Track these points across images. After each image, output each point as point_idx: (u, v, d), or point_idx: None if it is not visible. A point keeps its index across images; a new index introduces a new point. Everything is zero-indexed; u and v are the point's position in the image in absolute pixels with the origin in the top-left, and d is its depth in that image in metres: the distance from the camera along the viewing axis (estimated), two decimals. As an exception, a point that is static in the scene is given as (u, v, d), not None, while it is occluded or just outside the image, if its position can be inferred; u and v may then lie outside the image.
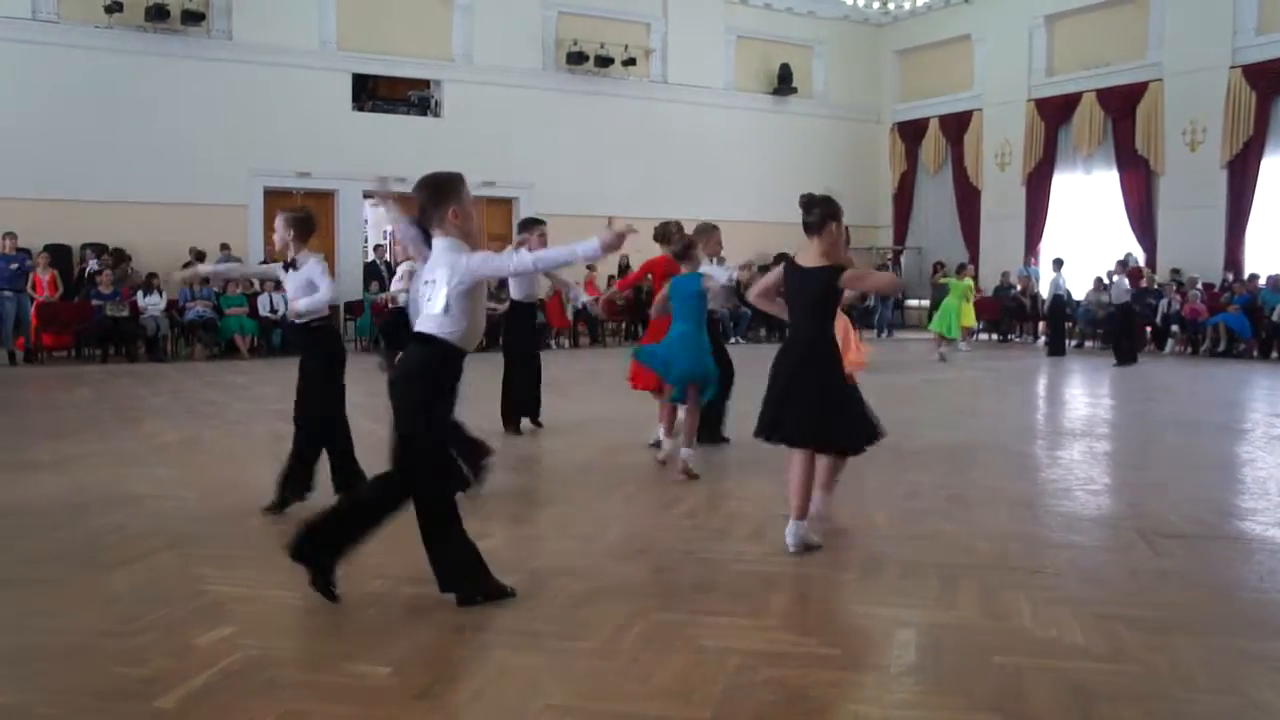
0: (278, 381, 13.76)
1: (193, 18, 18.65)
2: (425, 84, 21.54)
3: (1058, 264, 19.12)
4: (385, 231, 23.28)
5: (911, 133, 26.03)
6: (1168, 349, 19.10)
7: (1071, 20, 22.60)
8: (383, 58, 20.73)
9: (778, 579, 4.86)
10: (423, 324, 4.45)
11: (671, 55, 23.82)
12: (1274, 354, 17.54)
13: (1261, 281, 18.22)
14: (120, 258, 17.63)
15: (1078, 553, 5.58)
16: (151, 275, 17.07)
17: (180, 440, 9.02)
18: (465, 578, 4.45)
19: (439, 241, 4.47)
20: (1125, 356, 16.86)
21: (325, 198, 20.47)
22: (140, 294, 16.74)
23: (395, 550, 5.46)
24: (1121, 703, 3.50)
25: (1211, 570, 5.16)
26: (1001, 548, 5.48)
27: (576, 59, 22.31)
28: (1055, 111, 22.63)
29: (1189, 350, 18.61)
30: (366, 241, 22.40)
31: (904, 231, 26.33)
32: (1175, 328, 19.06)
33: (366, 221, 22.96)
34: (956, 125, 24.80)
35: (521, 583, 4.77)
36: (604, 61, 22.52)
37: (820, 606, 4.57)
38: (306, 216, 6.31)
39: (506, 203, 22.31)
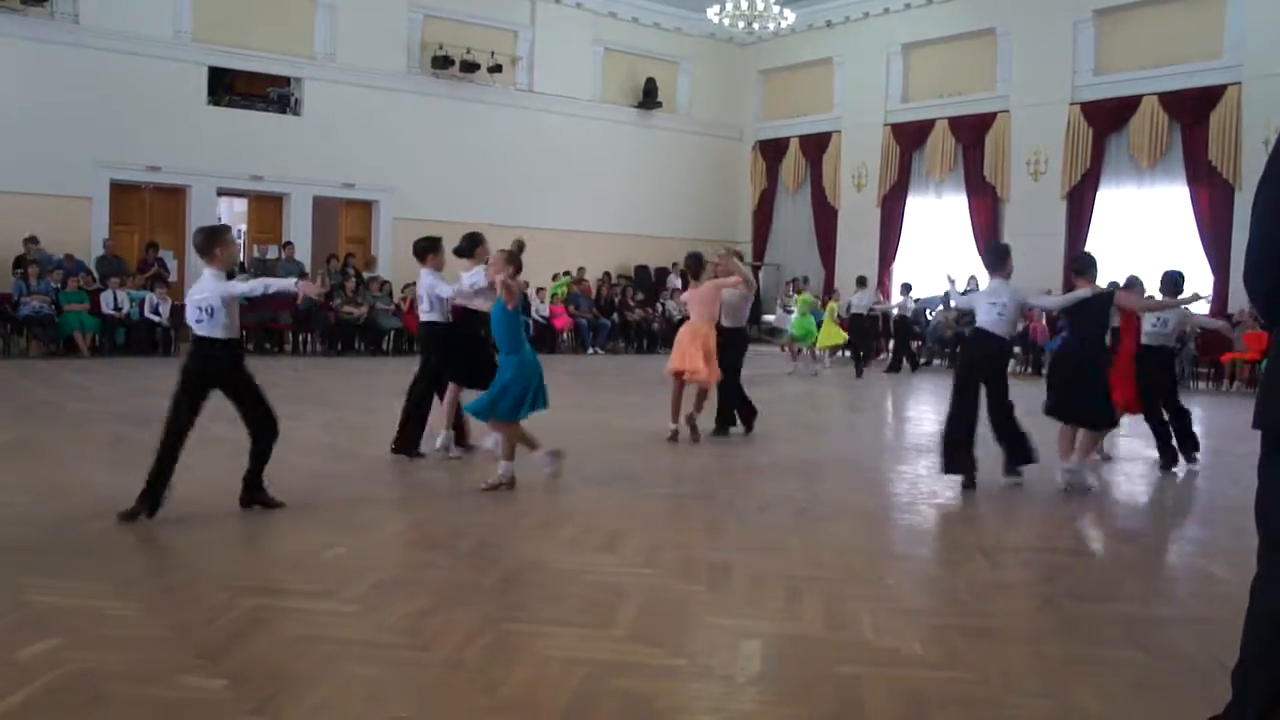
0: (119, 381, 13.21)
1: (34, -3, 17.69)
2: (285, 81, 20.92)
3: (905, 288, 20.05)
4: (239, 230, 22.59)
5: (772, 151, 26.56)
6: (1011, 368, 19.91)
7: (927, 50, 23.43)
8: (241, 52, 20.06)
9: (628, 589, 4.89)
10: (992, 327, 7.58)
11: (538, 64, 23.76)
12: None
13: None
14: None
15: (919, 565, 5.79)
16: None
17: (11, 441, 8.54)
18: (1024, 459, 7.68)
19: (995, 281, 7.72)
20: (895, 364, 19.34)
21: (177, 194, 19.73)
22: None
23: (241, 561, 5.31)
24: (954, 709, 3.65)
25: (1040, 581, 5.41)
26: (846, 560, 5.63)
27: (442, 63, 22.04)
28: (910, 136, 23.41)
29: (1029, 370, 19.45)
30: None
31: (763, 248, 26.83)
32: (1018, 349, 19.90)
33: (220, 219, 22.22)
34: (816, 145, 25.41)
35: (367, 594, 4.69)
36: (470, 67, 22.31)
37: (669, 617, 4.61)
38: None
39: (367, 205, 21.92)
